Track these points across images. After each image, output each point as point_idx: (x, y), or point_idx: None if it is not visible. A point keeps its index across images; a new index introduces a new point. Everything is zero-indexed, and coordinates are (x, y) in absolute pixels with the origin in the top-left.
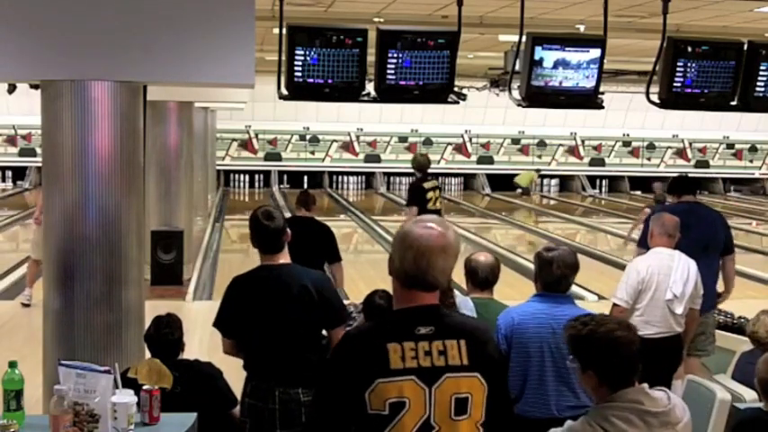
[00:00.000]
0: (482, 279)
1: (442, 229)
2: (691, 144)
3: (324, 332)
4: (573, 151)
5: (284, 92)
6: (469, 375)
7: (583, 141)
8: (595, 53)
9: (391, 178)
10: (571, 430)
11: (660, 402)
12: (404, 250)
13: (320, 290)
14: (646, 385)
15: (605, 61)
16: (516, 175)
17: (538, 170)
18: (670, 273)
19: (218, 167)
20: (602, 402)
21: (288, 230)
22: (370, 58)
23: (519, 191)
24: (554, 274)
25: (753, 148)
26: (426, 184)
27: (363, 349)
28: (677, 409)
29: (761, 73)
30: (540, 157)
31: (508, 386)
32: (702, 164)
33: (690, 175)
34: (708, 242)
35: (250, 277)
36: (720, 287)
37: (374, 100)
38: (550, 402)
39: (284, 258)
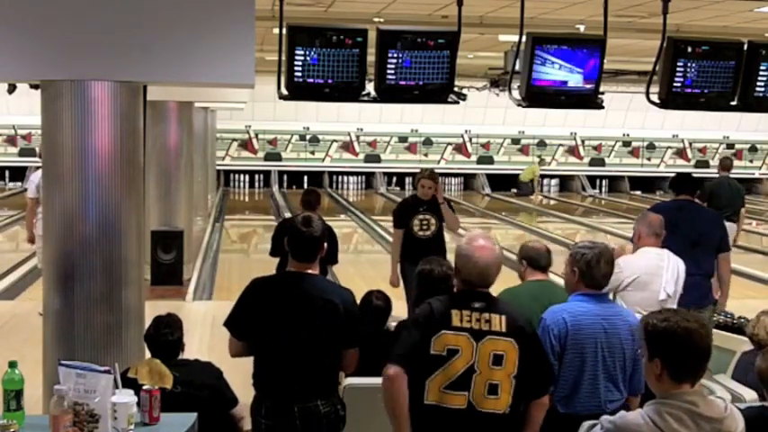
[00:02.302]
0: (543, 265)
1: (490, 244)
2: (691, 144)
3: None
4: (573, 151)
5: (284, 92)
6: (506, 339)
7: (583, 141)
8: (595, 53)
9: (392, 178)
10: (623, 419)
11: (716, 409)
12: (468, 269)
13: (347, 307)
14: (706, 390)
15: (605, 61)
16: (517, 176)
17: (541, 160)
18: (661, 272)
19: (218, 167)
20: (661, 396)
21: (325, 244)
22: (370, 58)
23: (514, 190)
24: (603, 271)
25: (753, 148)
26: None
27: (437, 311)
28: (732, 419)
29: (761, 73)
30: (540, 157)
31: (545, 354)
32: (702, 164)
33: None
34: (697, 239)
35: (273, 282)
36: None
37: (374, 100)
38: (601, 400)
39: (313, 269)
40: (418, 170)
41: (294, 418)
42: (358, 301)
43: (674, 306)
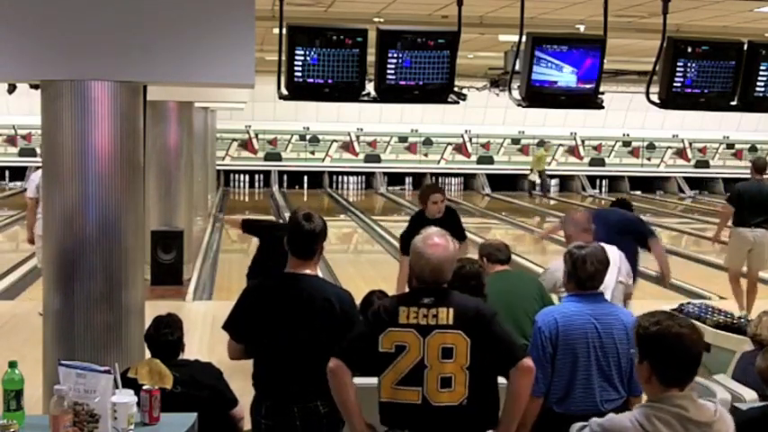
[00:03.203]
0: (502, 258)
1: (444, 242)
2: (691, 144)
3: None
4: (573, 151)
5: (284, 92)
6: (453, 332)
7: (583, 141)
8: (595, 53)
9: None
10: (611, 422)
11: (706, 413)
12: (420, 266)
13: (343, 307)
14: (695, 394)
15: (605, 61)
16: (517, 176)
17: (544, 143)
18: None
19: (218, 167)
20: (650, 399)
21: (323, 244)
22: (370, 58)
23: (535, 188)
24: (588, 271)
25: (753, 148)
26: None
27: (385, 309)
28: (722, 422)
29: (761, 73)
30: (545, 148)
31: (504, 334)
32: (702, 164)
33: (688, 175)
34: (622, 229)
35: (271, 283)
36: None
37: (374, 100)
38: (596, 399)
39: (312, 269)
40: (418, 170)
41: (294, 418)
42: (358, 303)
43: (610, 295)
